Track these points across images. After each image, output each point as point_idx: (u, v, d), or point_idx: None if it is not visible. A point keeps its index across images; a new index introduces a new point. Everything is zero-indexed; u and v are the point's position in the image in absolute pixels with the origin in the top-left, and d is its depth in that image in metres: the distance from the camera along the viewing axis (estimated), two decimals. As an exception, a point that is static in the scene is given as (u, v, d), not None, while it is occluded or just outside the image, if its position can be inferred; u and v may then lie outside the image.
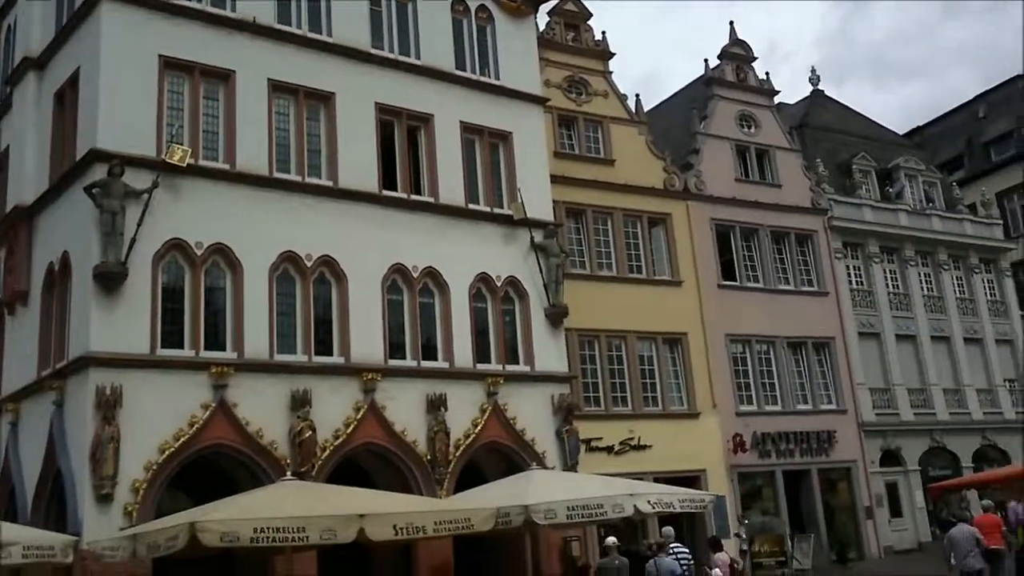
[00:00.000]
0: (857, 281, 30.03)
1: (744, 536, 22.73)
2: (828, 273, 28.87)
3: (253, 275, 16.56)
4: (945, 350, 31.28)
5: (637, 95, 26.81)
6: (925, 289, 31.59)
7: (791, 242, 28.46)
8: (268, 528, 11.38)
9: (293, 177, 17.71)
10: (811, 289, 28.44)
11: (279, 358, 16.52)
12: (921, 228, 31.99)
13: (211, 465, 16.06)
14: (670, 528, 15.44)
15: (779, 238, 28.32)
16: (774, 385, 26.67)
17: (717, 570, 14.75)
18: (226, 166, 16.91)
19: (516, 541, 18.29)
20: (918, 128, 45.51)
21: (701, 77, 30.05)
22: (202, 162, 16.65)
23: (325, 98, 18.51)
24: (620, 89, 26.28)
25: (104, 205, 15.11)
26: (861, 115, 37.75)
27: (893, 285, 30.93)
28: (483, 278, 19.64)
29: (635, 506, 14.59)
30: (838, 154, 33.03)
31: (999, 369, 32.33)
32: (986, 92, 44.24)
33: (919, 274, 31.58)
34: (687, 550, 15.25)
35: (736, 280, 27.00)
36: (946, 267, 32.34)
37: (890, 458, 28.58)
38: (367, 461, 17.67)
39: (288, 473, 14.73)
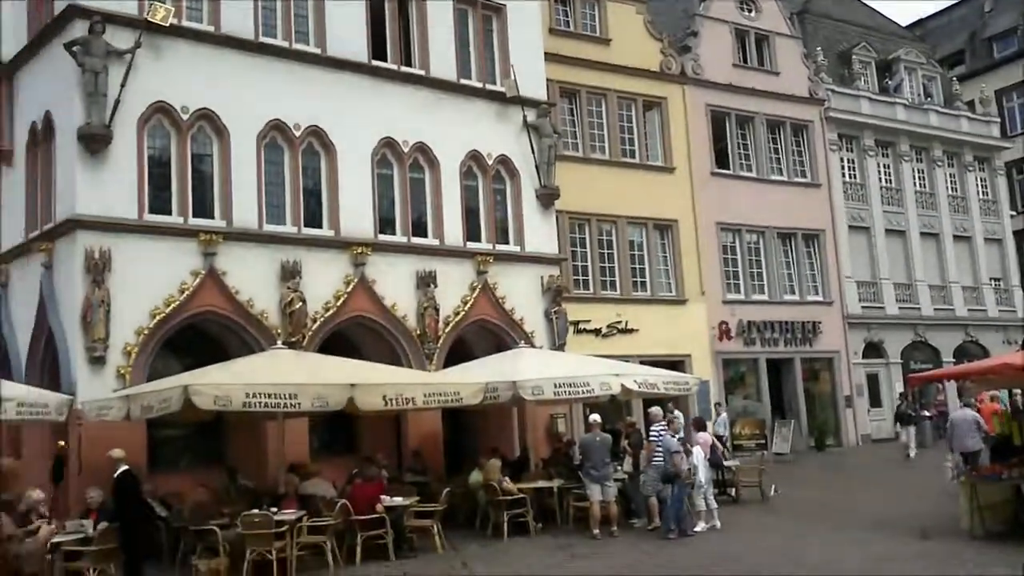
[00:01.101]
0: (850, 174, 29.82)
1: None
2: (822, 165, 28.61)
3: (240, 143, 16.14)
4: (934, 246, 31.37)
5: (638, -29, 25.97)
6: (918, 185, 31.44)
7: (786, 132, 28.08)
8: (260, 393, 11.48)
9: (280, 43, 17.06)
10: (804, 180, 28.22)
11: (268, 228, 16.28)
12: (918, 123, 31.61)
13: (202, 333, 16.01)
14: (658, 408, 15.62)
15: (774, 127, 27.93)
16: (762, 275, 26.76)
17: (698, 447, 14.99)
18: (210, 28, 16.25)
19: (503, 417, 18.57)
20: (921, 20, 44.48)
21: (704, -44, 29.06)
22: (185, 22, 15.98)
23: (313, -40, 17.76)
24: (620, -35, 25.41)
25: (86, 64, 14.55)
26: (863, 4, 36.75)
27: (886, 179, 30.74)
28: (474, 156, 19.29)
29: (622, 384, 14.79)
30: (838, 43, 32.33)
31: (986, 267, 32.54)
32: (993, -15, 43.15)
33: (913, 169, 31.37)
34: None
35: (729, 168, 26.73)
36: (940, 163, 32.12)
37: (872, 350, 28.98)
38: (357, 334, 17.65)
39: (279, 342, 14.74)
